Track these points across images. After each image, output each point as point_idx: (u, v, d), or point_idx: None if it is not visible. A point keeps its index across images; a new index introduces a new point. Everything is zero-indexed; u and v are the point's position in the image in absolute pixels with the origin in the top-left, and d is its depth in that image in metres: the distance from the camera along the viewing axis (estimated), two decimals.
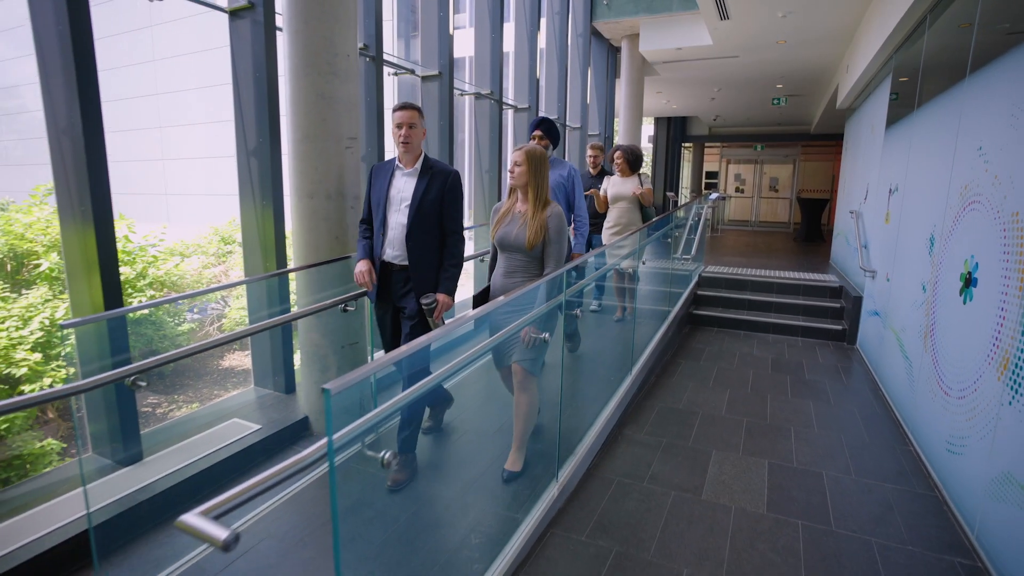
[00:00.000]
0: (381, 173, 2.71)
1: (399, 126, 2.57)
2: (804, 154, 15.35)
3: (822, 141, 14.31)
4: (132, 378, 1.94)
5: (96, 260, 2.50)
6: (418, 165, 2.64)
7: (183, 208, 12.61)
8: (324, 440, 1.21)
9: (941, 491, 2.82)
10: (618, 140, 9.35)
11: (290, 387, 3.55)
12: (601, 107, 9.29)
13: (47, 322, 3.06)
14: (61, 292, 3.28)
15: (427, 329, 2.61)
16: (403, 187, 2.64)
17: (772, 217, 15.79)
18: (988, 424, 2.36)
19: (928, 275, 3.34)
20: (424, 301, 2.58)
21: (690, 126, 16.13)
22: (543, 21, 7.15)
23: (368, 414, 1.34)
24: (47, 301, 3.15)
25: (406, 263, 2.64)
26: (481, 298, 2.74)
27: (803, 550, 2.35)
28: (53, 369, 3.01)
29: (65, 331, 1.92)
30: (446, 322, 2.72)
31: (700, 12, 6.32)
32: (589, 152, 5.15)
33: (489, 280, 2.79)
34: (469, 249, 4.96)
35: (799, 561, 2.28)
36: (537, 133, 3.63)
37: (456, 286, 2.72)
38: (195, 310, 5.37)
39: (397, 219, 2.64)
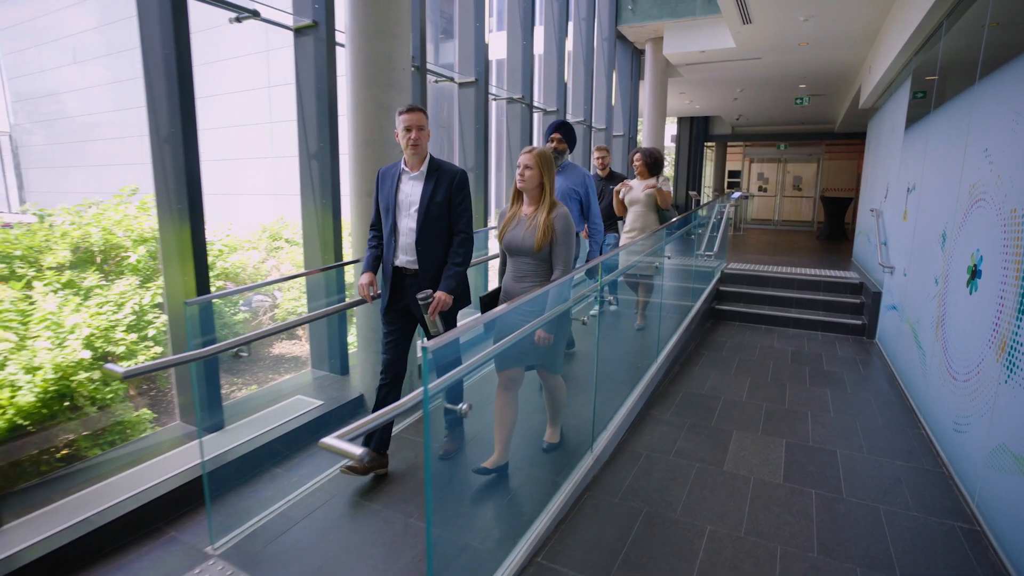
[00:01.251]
0: (387, 177, 2.68)
1: (408, 129, 2.52)
2: (828, 153, 15.35)
3: (847, 140, 14.32)
4: (236, 349, 2.29)
5: (191, 252, 2.87)
6: (424, 167, 2.60)
7: (220, 206, 13.14)
8: (421, 389, 1.53)
9: (948, 467, 3.05)
10: (642, 139, 9.59)
11: (344, 369, 3.90)
12: (625, 108, 9.53)
13: (136, 307, 3.45)
14: (146, 282, 3.68)
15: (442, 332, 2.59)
16: (411, 191, 2.61)
17: (796, 216, 15.81)
18: (988, 402, 2.59)
19: (940, 269, 3.55)
20: (420, 296, 2.52)
21: (713, 125, 16.24)
22: (570, 25, 7.43)
23: (455, 369, 1.66)
24: (135, 289, 3.54)
25: (418, 267, 2.62)
26: (489, 299, 2.73)
27: (815, 513, 2.61)
28: (143, 348, 3.41)
29: (188, 307, 2.27)
30: (454, 323, 2.70)
31: (723, 16, 6.54)
32: (596, 154, 5.10)
33: (499, 283, 2.80)
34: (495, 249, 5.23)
35: (811, 522, 2.55)
36: (556, 136, 3.66)
37: (457, 285, 2.65)
38: (241, 303, 5.77)
39: (407, 224, 2.60)
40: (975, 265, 2.93)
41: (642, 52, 9.43)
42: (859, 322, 5.91)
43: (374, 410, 2.77)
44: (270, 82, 12.57)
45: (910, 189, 4.78)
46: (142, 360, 3.36)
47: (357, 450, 1.31)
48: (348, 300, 3.17)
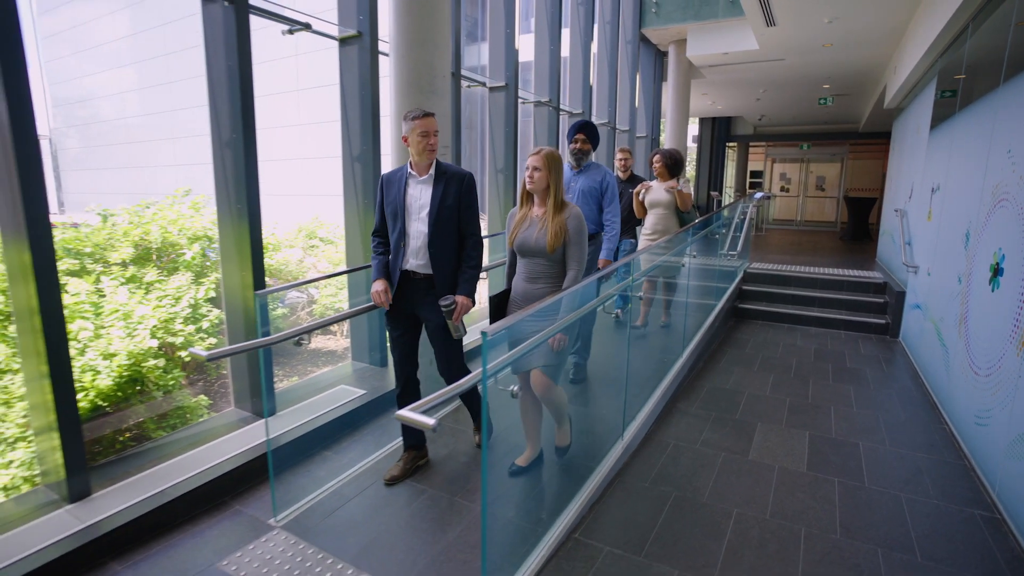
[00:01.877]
0: (393, 182, 2.68)
1: (425, 134, 2.54)
2: (852, 153, 15.23)
3: (871, 140, 14.19)
4: (298, 337, 2.50)
5: (249, 249, 3.08)
6: (432, 171, 2.62)
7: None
8: (479, 370, 1.71)
9: (969, 460, 3.14)
10: (664, 140, 9.68)
11: (383, 361, 4.10)
12: (648, 109, 9.64)
13: (192, 301, 3.70)
14: (199, 277, 3.93)
15: (451, 333, 2.68)
16: (420, 195, 2.62)
17: (819, 216, 15.71)
18: (1008, 395, 2.69)
19: (963, 268, 3.63)
20: (443, 303, 2.55)
21: (735, 126, 16.22)
22: (595, 28, 7.56)
23: (508, 352, 1.83)
24: (189, 284, 3.79)
25: (429, 271, 2.64)
26: (498, 300, 2.74)
27: (838, 499, 2.74)
28: (198, 340, 3.65)
29: (259, 298, 2.50)
30: (467, 326, 2.75)
31: (747, 19, 6.62)
32: (618, 155, 5.01)
33: (507, 285, 2.79)
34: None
35: (834, 507, 2.67)
36: (580, 136, 3.67)
37: (475, 288, 2.70)
38: (280, 300, 6.02)
39: (417, 227, 2.62)
40: (997, 263, 3.02)
41: (665, 54, 9.52)
42: (883, 321, 5.96)
43: (402, 425, 2.86)
44: (299, 86, 12.84)
45: (934, 189, 4.84)
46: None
47: (430, 420, 1.49)
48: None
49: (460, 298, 2.61)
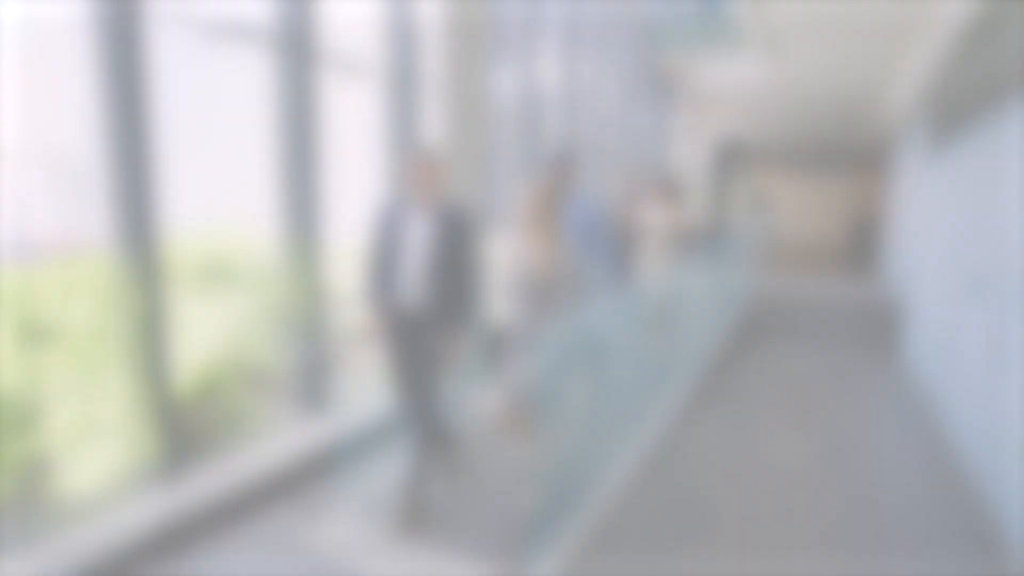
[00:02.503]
0: (391, 214, 2.69)
1: (429, 171, 2.59)
2: (857, 176, 15.61)
3: (875, 164, 14.55)
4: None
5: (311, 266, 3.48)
6: (434, 205, 2.63)
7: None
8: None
9: (962, 459, 3.44)
10: (674, 164, 10.11)
11: None
12: (658, 136, 10.09)
13: (251, 312, 4.08)
14: (255, 292, 4.31)
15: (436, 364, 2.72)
16: (420, 228, 2.62)
17: (825, 237, 16.05)
18: (993, 395, 3.02)
19: (956, 287, 3.98)
20: (442, 337, 2.62)
21: (742, 148, 16.65)
22: (608, 58, 8.04)
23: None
24: (248, 298, 4.18)
25: (428, 305, 2.63)
26: (497, 337, 2.91)
27: (843, 491, 3.05)
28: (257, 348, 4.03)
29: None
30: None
31: (752, 51, 7.07)
32: (621, 183, 5.12)
33: (507, 316, 2.91)
34: None
35: (836, 500, 2.98)
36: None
37: (471, 322, 2.74)
38: None
39: (415, 261, 2.62)
40: (980, 282, 3.37)
41: (675, 82, 9.99)
42: (888, 339, 6.25)
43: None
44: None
45: (934, 215, 5.20)
46: None
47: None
48: None
49: (458, 331, 2.67)
